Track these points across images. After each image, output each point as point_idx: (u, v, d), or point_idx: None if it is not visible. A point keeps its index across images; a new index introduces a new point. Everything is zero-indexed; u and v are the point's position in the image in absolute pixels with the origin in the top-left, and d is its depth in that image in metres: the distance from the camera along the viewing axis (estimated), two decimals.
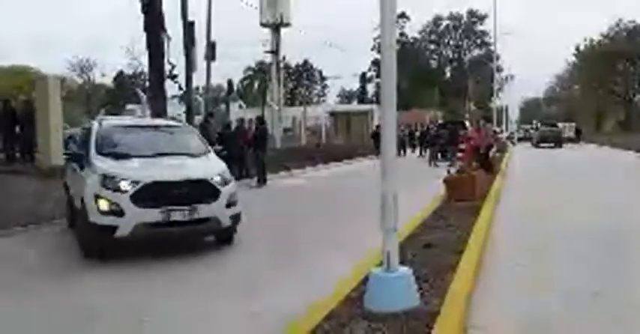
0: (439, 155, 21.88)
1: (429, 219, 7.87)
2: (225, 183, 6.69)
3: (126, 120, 8.51)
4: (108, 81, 62.85)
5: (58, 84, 14.37)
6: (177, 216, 6.14)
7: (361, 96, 73.75)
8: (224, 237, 6.85)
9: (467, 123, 26.29)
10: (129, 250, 6.33)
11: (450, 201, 9.59)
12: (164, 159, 6.86)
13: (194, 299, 4.80)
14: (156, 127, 8.07)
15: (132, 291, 5.02)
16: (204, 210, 6.31)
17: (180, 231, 6.31)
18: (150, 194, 6.08)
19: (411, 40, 73.11)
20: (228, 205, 6.59)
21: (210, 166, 6.95)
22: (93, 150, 6.84)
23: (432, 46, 76.96)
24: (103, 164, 6.52)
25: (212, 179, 6.56)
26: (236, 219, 6.74)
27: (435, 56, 77.13)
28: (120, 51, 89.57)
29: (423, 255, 5.61)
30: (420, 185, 11.98)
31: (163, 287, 5.16)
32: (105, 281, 5.42)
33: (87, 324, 4.23)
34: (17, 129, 14.06)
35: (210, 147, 7.72)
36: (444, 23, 76.04)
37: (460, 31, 75.90)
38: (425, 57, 75.13)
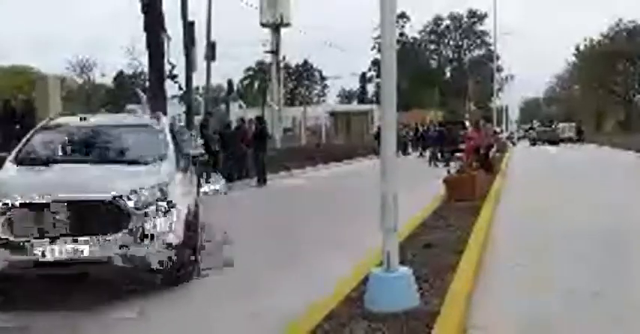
0: (439, 155, 21.92)
1: (429, 219, 7.87)
2: (147, 204, 4.80)
3: (91, 118, 6.74)
4: (108, 81, 62.86)
5: (58, 84, 14.42)
6: (47, 253, 4.48)
7: (361, 96, 73.75)
8: (162, 280, 5.05)
9: (467, 123, 26.31)
10: None
11: (449, 201, 9.59)
12: (85, 168, 5.42)
13: (194, 299, 4.81)
14: (114, 127, 6.41)
15: (129, 293, 5.01)
16: (95, 247, 4.55)
17: (54, 273, 4.77)
18: (17, 219, 4.57)
19: (411, 40, 73.12)
20: (152, 237, 4.73)
21: (144, 178, 5.10)
22: (12, 155, 5.68)
23: (432, 46, 76.98)
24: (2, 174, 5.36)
25: (119, 198, 4.68)
26: (171, 258, 4.84)
27: (435, 56, 77.15)
28: (120, 51, 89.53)
29: (423, 255, 5.61)
30: (419, 185, 11.98)
31: (164, 286, 5.15)
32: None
33: None
34: (17, 128, 14.05)
35: (173, 153, 5.90)
36: (444, 23, 76.06)
37: (460, 31, 75.93)
38: (425, 57, 75.15)
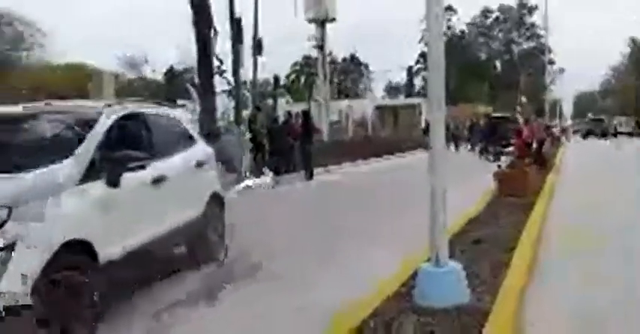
0: (489, 149, 21.57)
1: (479, 215, 7.74)
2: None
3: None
4: (159, 76, 64.37)
5: (112, 79, 14.87)
6: None
7: (408, 89, 73.00)
8: None
9: (518, 118, 25.73)
10: None
11: (500, 196, 9.40)
12: None
13: (240, 291, 4.86)
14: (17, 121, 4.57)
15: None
16: None
17: None
18: None
19: (459, 33, 71.80)
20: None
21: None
22: None
23: (481, 39, 75.35)
24: None
25: None
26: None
27: (484, 49, 75.50)
28: (170, 47, 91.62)
29: (473, 251, 5.53)
30: (470, 179, 11.79)
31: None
32: None
33: None
34: None
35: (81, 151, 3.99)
36: (493, 15, 74.29)
37: (510, 23, 73.99)
38: (473, 50, 73.66)
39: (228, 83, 18.73)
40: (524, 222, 7.02)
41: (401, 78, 75.54)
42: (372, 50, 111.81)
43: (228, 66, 18.08)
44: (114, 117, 4.46)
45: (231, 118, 17.00)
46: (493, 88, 65.40)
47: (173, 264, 5.31)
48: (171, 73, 64.11)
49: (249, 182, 12.60)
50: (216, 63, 20.63)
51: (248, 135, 14.74)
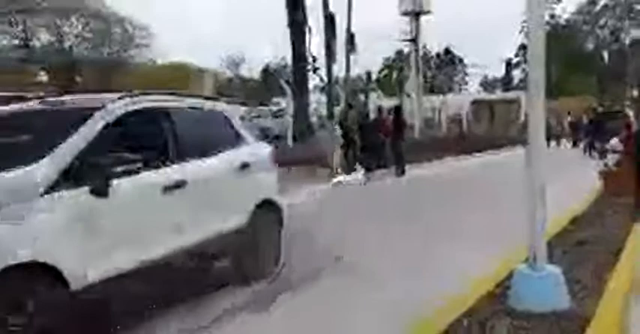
0: (595, 146, 20.36)
1: (583, 215, 7.32)
2: None
3: None
4: (255, 74, 66.44)
5: (211, 78, 15.48)
6: None
7: (506, 83, 70.29)
8: None
9: (628, 112, 24.01)
10: None
11: (606, 195, 8.83)
12: None
13: (328, 282, 4.90)
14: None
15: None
16: None
17: None
18: None
19: (563, 23, 68.05)
20: None
21: None
22: None
23: (587, 28, 70.91)
24: None
25: None
26: None
27: (591, 39, 71.03)
28: (267, 45, 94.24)
29: (576, 253, 5.22)
30: (573, 177, 11.16)
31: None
32: None
33: None
34: None
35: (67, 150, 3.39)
36: (601, 3, 69.64)
37: (618, 10, 69.03)
38: (578, 40, 69.51)
39: (321, 79, 18.91)
40: (631, 223, 6.54)
41: (499, 72, 72.99)
42: (468, 44, 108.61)
43: (321, 63, 18.26)
44: (119, 112, 3.83)
45: (323, 114, 17.17)
46: (600, 81, 61.41)
47: (210, 279, 4.85)
48: (267, 71, 66.11)
49: (340, 178, 12.71)
50: (309, 60, 20.99)
51: (339, 132, 14.83)
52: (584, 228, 6.44)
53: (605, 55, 70.14)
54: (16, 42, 31.68)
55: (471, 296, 4.12)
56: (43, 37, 32.14)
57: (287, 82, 21.46)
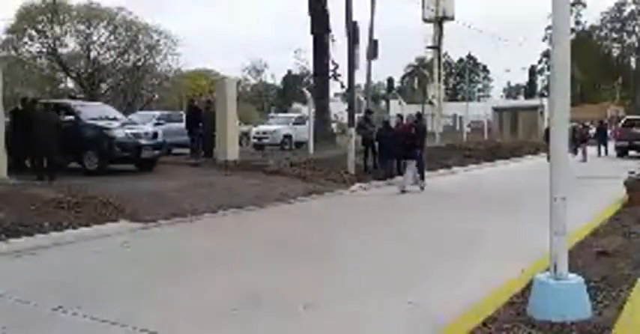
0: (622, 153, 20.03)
1: (606, 225, 7.18)
2: None
3: None
4: (277, 81, 66.88)
5: (234, 85, 15.56)
6: None
7: (529, 90, 69.54)
8: None
9: None
10: None
11: (631, 205, 8.65)
12: None
13: (352, 287, 4.90)
14: None
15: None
16: None
17: None
18: None
19: (588, 29, 67.09)
20: None
21: None
22: None
23: (614, 35, 69.78)
24: None
25: None
26: None
27: (617, 45, 69.84)
28: (288, 52, 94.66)
29: (597, 264, 5.13)
30: (597, 186, 10.98)
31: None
32: None
33: None
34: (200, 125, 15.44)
35: None
36: (628, 9, 68.50)
37: None
38: (603, 47, 68.42)
39: (342, 86, 18.91)
40: None
41: (522, 79, 72.27)
42: (490, 51, 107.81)
43: (343, 70, 18.26)
44: None
45: (344, 121, 17.17)
46: (627, 87, 60.32)
47: None
48: (289, 78, 66.45)
49: (355, 186, 12.58)
50: (331, 66, 21.03)
51: (356, 138, 14.81)
52: (608, 238, 6.32)
53: (632, 61, 68.88)
54: (44, 49, 32.37)
55: (491, 305, 4.08)
56: (71, 45, 32.81)
57: (308, 88, 21.53)
